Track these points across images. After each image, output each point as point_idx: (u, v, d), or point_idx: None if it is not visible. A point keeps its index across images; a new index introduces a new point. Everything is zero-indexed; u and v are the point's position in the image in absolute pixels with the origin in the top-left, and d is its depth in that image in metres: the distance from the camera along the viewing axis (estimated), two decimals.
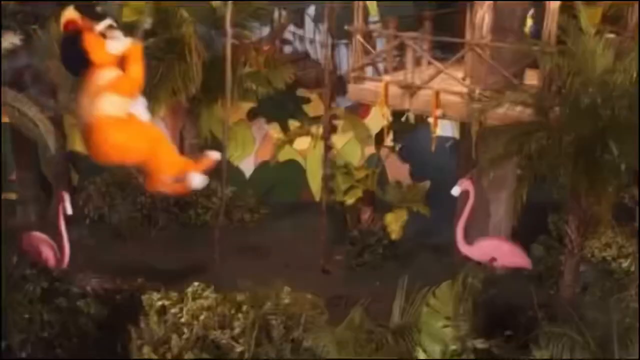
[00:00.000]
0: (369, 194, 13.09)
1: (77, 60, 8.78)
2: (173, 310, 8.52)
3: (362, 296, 9.51)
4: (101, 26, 8.94)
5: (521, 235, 11.12)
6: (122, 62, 8.88)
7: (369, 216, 13.08)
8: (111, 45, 8.84)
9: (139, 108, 8.96)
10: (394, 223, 12.41)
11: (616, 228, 11.50)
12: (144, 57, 9.43)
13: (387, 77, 11.00)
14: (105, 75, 8.63)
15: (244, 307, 8.44)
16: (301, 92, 14.94)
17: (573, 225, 9.13)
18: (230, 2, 9.72)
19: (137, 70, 8.92)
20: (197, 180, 9.02)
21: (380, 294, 10.20)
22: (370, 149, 13.92)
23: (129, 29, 10.71)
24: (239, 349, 8.18)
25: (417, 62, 11.12)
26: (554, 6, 9.43)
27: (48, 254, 9.64)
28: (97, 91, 8.59)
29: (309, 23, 14.83)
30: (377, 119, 12.97)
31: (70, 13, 9.14)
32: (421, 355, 7.95)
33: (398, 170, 14.71)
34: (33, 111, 9.25)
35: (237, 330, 8.27)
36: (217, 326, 8.36)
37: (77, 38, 8.76)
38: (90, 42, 8.72)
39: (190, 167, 9.15)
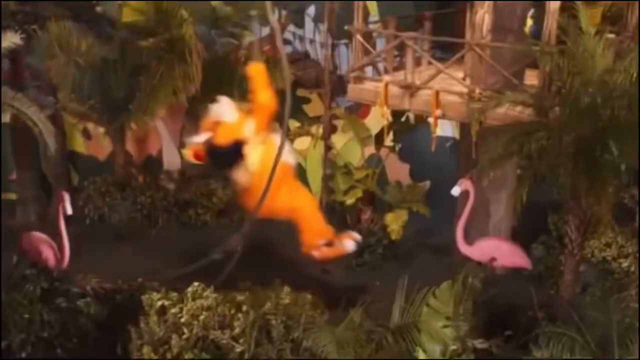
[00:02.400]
0: (369, 194, 13.08)
1: (231, 155, 9.02)
2: (173, 310, 8.51)
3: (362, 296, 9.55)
4: (209, 118, 9.18)
5: (521, 235, 11.12)
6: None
7: (369, 216, 13.08)
8: (226, 117, 9.01)
9: (288, 155, 9.27)
10: (394, 223, 12.41)
11: (616, 228, 11.50)
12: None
13: (387, 77, 11.01)
14: (246, 130, 8.82)
15: (244, 307, 8.43)
16: (301, 92, 14.94)
17: (573, 225, 9.13)
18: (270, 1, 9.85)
19: (262, 93, 9.11)
20: (350, 246, 9.64)
21: (380, 294, 10.23)
22: (370, 149, 13.91)
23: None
24: (239, 349, 8.18)
25: (417, 62, 11.13)
26: (554, 6, 9.43)
27: (48, 254, 9.63)
28: (250, 148, 8.87)
29: (309, 23, 14.82)
30: (377, 119, 12.96)
31: (190, 150, 9.47)
32: (421, 355, 7.97)
33: (398, 170, 14.70)
34: (32, 111, 9.25)
35: (237, 330, 8.27)
36: (217, 326, 8.36)
37: (214, 150, 8.96)
38: (220, 137, 8.89)
39: (332, 235, 9.78)
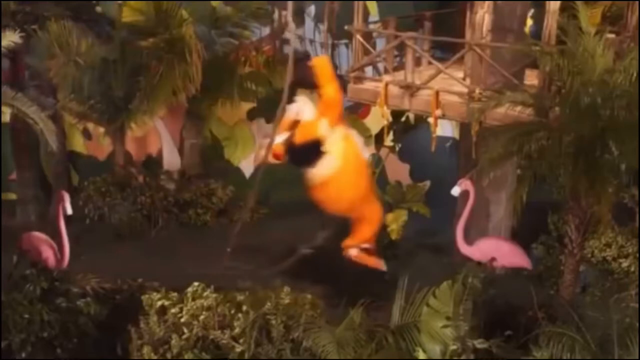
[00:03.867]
0: None
1: (311, 153, 9.08)
2: (173, 310, 8.51)
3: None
4: (287, 118, 9.27)
5: (521, 235, 11.12)
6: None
7: None
8: (304, 115, 9.06)
9: (364, 150, 9.39)
10: (394, 223, 12.40)
11: (616, 228, 11.50)
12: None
13: (387, 77, 11.00)
14: (323, 127, 8.91)
15: (244, 307, 8.43)
16: (301, 92, 14.93)
17: (573, 225, 9.12)
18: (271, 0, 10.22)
19: (328, 87, 9.14)
20: (384, 267, 9.98)
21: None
22: (370, 149, 13.93)
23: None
24: (239, 349, 8.18)
25: (417, 62, 11.13)
26: (554, 6, 9.43)
27: (48, 254, 9.62)
28: (331, 144, 8.98)
29: (309, 23, 14.82)
30: (377, 119, 12.96)
31: (270, 151, 9.53)
32: (421, 355, 7.96)
33: (398, 170, 14.70)
34: (33, 110, 9.25)
35: (237, 330, 8.27)
36: (217, 326, 8.36)
37: (293, 148, 9.01)
38: (299, 135, 8.95)
39: (374, 246, 10.08)
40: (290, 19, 10.89)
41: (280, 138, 9.49)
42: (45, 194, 14.39)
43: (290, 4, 10.74)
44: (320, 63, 9.49)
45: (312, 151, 9.20)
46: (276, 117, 10.84)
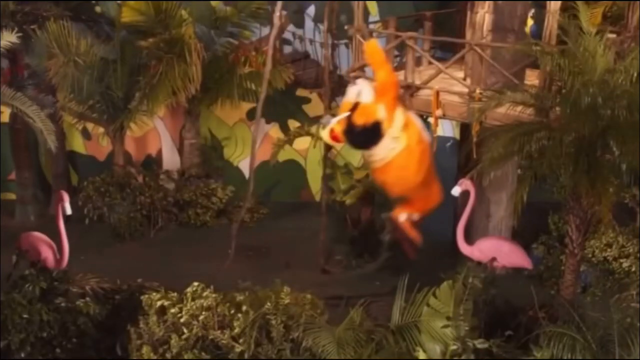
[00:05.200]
0: (369, 194, 13.06)
1: (370, 135, 9.07)
2: (172, 310, 8.49)
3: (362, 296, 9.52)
4: (348, 100, 9.37)
5: (522, 235, 11.11)
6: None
7: (369, 216, 13.06)
8: (364, 97, 9.03)
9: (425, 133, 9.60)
10: None
11: (617, 228, 11.49)
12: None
13: None
14: (378, 113, 8.90)
15: (244, 307, 8.42)
16: (301, 92, 14.92)
17: (574, 225, 9.11)
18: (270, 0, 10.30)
19: (380, 73, 9.11)
20: (420, 241, 10.14)
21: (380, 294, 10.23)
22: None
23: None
24: (238, 349, 8.16)
25: (417, 62, 11.12)
26: (554, 6, 9.42)
27: (47, 254, 9.61)
28: (395, 130, 9.16)
29: (309, 23, 14.80)
30: None
31: (327, 132, 9.34)
32: (421, 355, 7.94)
33: None
34: (32, 109, 9.24)
35: (237, 330, 8.25)
36: (216, 326, 8.34)
37: (353, 129, 8.96)
38: (359, 117, 8.93)
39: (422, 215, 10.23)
40: (276, 18, 10.83)
41: (336, 119, 9.46)
42: (44, 194, 14.39)
43: (279, 3, 10.70)
44: (370, 47, 9.41)
45: (371, 133, 9.16)
46: (255, 122, 11.07)
